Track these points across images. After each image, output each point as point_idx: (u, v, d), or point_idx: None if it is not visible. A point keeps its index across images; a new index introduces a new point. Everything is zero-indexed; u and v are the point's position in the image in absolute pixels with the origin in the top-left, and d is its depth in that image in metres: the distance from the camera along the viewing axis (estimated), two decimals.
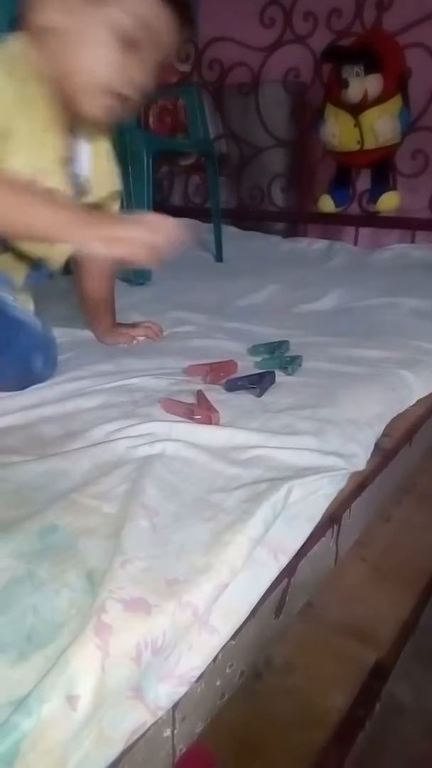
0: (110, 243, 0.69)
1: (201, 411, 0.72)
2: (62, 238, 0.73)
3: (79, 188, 0.86)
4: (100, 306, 1.03)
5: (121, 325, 1.05)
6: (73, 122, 0.81)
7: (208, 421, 0.70)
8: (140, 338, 1.05)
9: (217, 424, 0.71)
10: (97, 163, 0.88)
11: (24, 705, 0.32)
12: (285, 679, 0.90)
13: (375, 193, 1.99)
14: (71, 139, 0.83)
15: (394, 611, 1.03)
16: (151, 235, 0.70)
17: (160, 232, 0.70)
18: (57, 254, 0.88)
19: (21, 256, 0.84)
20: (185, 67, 2.43)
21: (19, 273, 0.87)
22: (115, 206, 0.96)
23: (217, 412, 0.72)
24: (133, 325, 1.06)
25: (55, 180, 0.80)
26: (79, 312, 1.06)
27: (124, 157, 1.44)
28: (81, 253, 0.80)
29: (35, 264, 0.87)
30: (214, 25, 2.27)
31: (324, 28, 2.11)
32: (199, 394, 0.77)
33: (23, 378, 0.79)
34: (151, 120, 2.37)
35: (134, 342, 1.03)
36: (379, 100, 1.82)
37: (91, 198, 0.88)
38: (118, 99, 0.77)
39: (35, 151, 0.77)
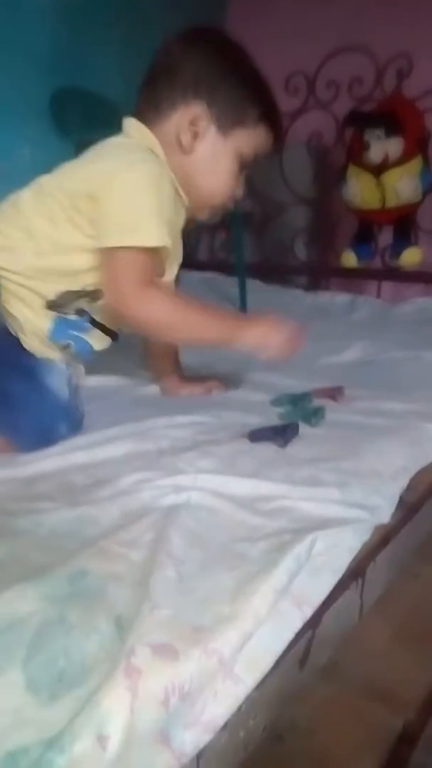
0: (261, 343, 0.86)
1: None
2: (228, 343, 0.87)
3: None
4: (167, 360, 1.07)
5: (189, 378, 1.09)
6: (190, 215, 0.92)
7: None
8: (215, 391, 1.07)
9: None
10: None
11: (57, 742, 0.33)
12: (308, 742, 0.87)
13: (397, 249, 2.03)
14: None
15: (421, 673, 1.00)
16: (284, 334, 0.86)
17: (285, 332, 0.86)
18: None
19: (104, 329, 0.92)
20: None
21: (102, 344, 0.94)
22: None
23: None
24: (201, 379, 1.09)
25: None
26: (145, 367, 1.12)
27: None
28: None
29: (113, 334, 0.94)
30: None
31: (346, 96, 2.22)
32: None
33: (47, 442, 0.80)
34: None
35: (211, 393, 1.06)
36: (400, 161, 1.89)
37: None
38: (222, 208, 0.90)
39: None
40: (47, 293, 0.83)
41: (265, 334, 0.85)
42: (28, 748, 0.34)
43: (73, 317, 0.86)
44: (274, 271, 2.45)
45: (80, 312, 0.87)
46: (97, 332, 0.91)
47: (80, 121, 1.81)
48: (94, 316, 0.88)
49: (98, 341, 0.92)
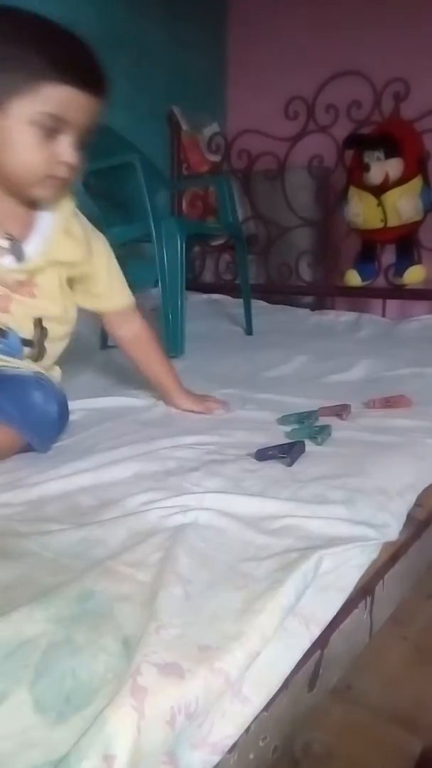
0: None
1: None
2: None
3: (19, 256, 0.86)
4: (160, 372, 1.08)
5: (191, 393, 1.09)
6: (28, 199, 0.85)
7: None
8: (217, 412, 1.07)
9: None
10: (55, 233, 0.89)
11: (64, 762, 0.33)
12: None
13: (400, 267, 2.05)
14: (29, 212, 0.87)
15: None
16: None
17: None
18: (18, 326, 0.89)
19: None
20: (215, 158, 2.60)
21: None
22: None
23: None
24: (203, 397, 1.10)
25: None
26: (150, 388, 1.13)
27: (160, 240, 1.54)
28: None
29: (3, 332, 0.89)
30: (243, 119, 2.45)
31: (345, 119, 2.26)
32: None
33: (29, 416, 0.83)
34: (184, 205, 2.53)
35: (211, 414, 1.06)
36: (401, 181, 1.92)
37: (31, 264, 0.87)
38: (58, 180, 0.81)
39: None
40: None
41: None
42: None
43: None
44: (279, 292, 2.47)
45: None
46: None
47: (85, 150, 1.85)
48: None
49: None
